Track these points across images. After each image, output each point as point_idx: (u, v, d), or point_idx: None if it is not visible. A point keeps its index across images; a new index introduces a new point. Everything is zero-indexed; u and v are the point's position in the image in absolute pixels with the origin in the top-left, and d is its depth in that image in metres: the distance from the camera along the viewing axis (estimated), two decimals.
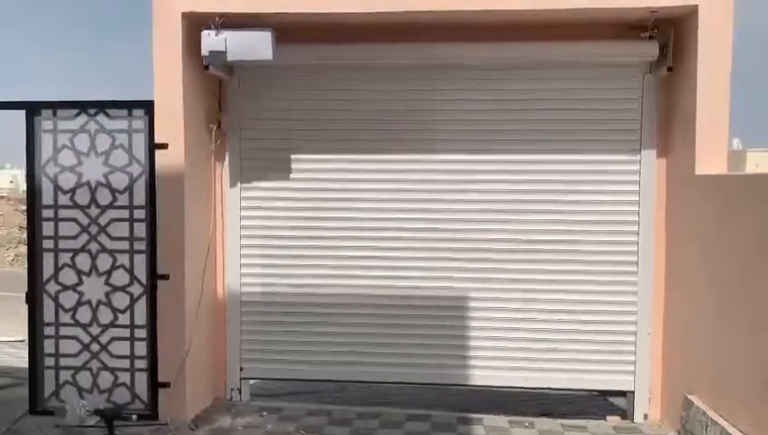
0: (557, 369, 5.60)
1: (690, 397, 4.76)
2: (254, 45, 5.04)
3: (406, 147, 5.68)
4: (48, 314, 5.45)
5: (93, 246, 5.40)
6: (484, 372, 5.68)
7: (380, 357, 5.76)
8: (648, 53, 5.32)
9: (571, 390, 5.67)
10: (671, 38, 5.21)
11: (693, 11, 4.91)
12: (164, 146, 5.20)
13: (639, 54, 5.36)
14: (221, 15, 5.07)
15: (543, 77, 5.52)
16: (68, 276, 5.43)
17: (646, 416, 5.52)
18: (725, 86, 4.89)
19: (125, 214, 5.37)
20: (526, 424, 5.44)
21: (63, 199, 5.41)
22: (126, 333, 5.40)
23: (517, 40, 5.38)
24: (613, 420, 5.52)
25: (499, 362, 5.67)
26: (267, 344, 5.85)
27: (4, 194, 30.22)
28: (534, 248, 5.59)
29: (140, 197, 5.34)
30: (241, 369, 5.87)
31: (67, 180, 5.40)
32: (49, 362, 5.48)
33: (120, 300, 5.39)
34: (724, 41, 4.88)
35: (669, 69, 5.23)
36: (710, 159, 4.88)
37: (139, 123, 5.34)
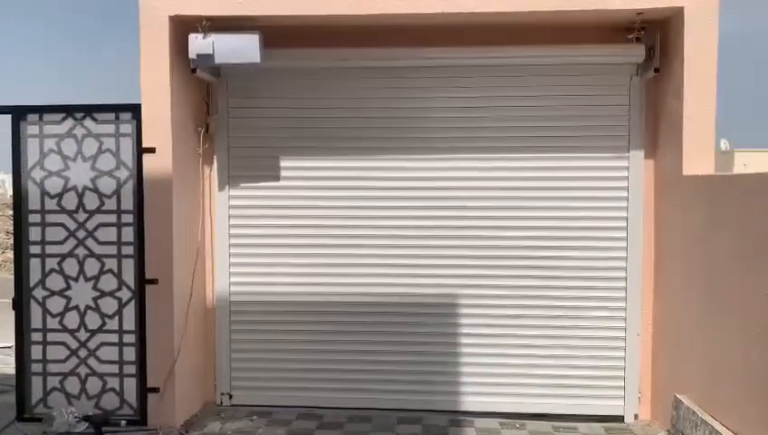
0: (547, 384, 5.63)
1: (680, 397, 4.78)
2: (242, 48, 5.03)
3: (393, 149, 5.67)
4: (35, 319, 5.42)
5: (81, 251, 5.37)
6: (476, 398, 5.68)
7: (364, 383, 5.77)
8: (635, 55, 5.35)
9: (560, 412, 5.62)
10: (657, 40, 5.24)
11: (678, 13, 4.94)
12: (151, 150, 5.18)
13: (626, 56, 5.38)
14: (208, 19, 5.06)
15: (531, 81, 5.53)
16: (55, 282, 5.39)
17: (636, 416, 5.53)
18: (712, 87, 4.92)
19: (113, 218, 5.34)
20: (517, 425, 5.43)
21: (50, 204, 5.37)
22: (114, 338, 5.37)
23: (504, 43, 5.41)
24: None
25: (489, 387, 5.67)
26: (257, 353, 5.83)
27: None
28: (522, 255, 5.59)
29: (128, 201, 5.32)
30: (230, 396, 5.84)
31: (54, 185, 5.37)
32: (36, 368, 5.44)
33: (109, 305, 5.37)
34: (710, 42, 4.91)
35: (656, 70, 5.25)
36: (697, 160, 4.90)
37: (127, 127, 5.32)
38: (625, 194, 5.50)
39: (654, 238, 5.45)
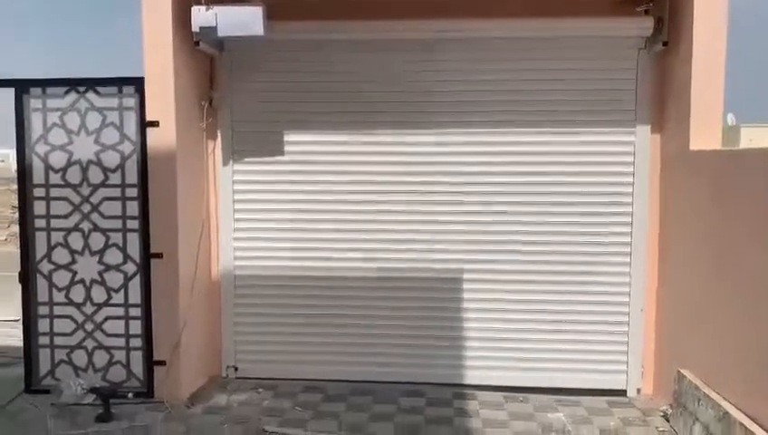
0: (550, 359, 5.65)
1: (683, 371, 4.79)
2: (245, 21, 4.97)
3: (400, 124, 5.63)
4: (42, 293, 5.46)
5: (86, 225, 5.38)
6: (481, 373, 5.73)
7: (368, 356, 5.81)
8: (643, 28, 5.28)
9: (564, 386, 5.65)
10: (666, 13, 5.16)
11: None
12: (155, 123, 5.15)
13: (634, 29, 5.32)
14: None
15: (537, 54, 5.47)
16: (61, 256, 5.42)
17: (639, 390, 5.57)
18: (720, 61, 4.86)
19: (117, 192, 5.34)
20: (520, 399, 5.48)
21: (55, 178, 5.37)
22: (120, 311, 5.41)
23: (509, 15, 5.33)
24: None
25: (493, 361, 5.71)
26: (262, 327, 5.86)
27: None
28: (527, 230, 5.59)
29: (132, 175, 5.31)
30: (236, 369, 5.89)
31: (58, 159, 5.36)
32: (44, 341, 5.49)
33: (114, 279, 5.39)
34: (720, 15, 4.83)
35: (664, 44, 5.19)
36: (704, 135, 4.86)
37: (130, 101, 5.29)
38: (631, 169, 5.47)
39: (659, 213, 5.43)
